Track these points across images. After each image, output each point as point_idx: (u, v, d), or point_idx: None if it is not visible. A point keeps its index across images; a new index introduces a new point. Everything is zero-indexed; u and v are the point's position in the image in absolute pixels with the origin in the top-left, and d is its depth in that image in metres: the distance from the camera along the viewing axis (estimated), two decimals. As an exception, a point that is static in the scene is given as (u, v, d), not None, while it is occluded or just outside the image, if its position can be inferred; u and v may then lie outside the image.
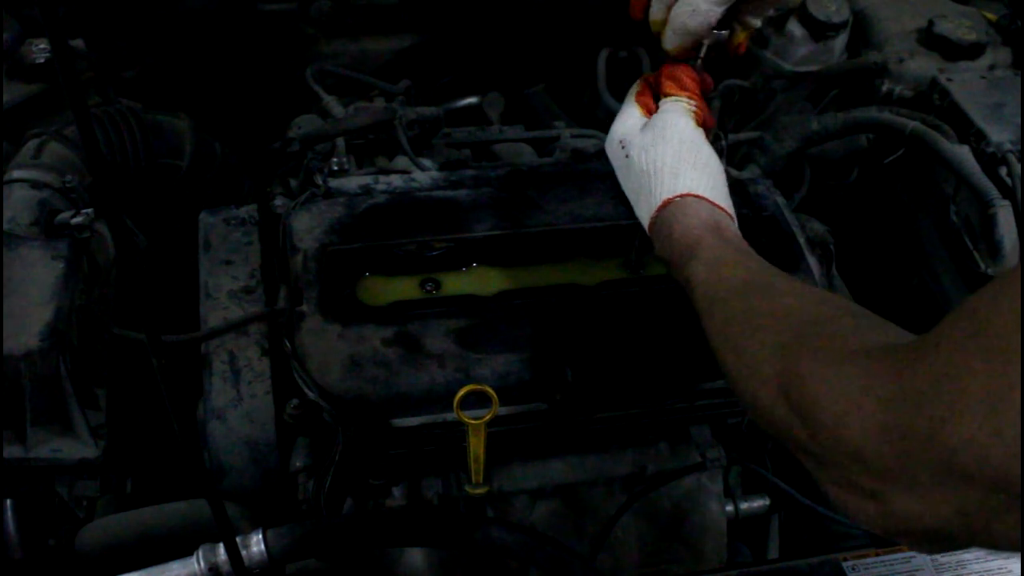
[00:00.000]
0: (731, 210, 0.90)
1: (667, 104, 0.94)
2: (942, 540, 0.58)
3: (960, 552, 0.97)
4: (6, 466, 1.01)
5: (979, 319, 0.51)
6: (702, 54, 0.96)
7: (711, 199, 0.88)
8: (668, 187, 0.88)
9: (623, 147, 0.94)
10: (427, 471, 1.13)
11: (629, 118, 0.96)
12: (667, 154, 0.89)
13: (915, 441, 0.53)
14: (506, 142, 1.52)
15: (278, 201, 1.25)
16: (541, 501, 1.15)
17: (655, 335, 1.11)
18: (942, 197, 1.41)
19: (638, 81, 1.01)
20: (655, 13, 0.96)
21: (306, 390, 1.05)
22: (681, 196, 0.88)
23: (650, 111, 0.96)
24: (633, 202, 0.94)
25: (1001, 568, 0.96)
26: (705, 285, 0.81)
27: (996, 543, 0.54)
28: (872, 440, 0.56)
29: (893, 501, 0.57)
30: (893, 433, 0.55)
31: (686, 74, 0.96)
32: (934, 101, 1.48)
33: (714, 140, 1.34)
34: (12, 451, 1.02)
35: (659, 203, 0.88)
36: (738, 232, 0.88)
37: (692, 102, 0.94)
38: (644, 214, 0.91)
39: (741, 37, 0.96)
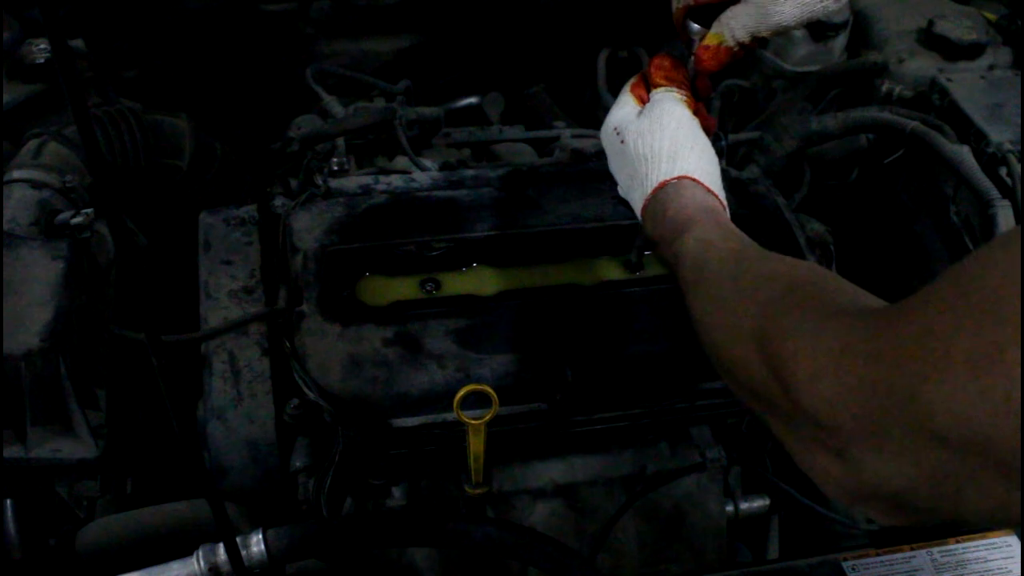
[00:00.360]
0: (724, 199, 0.90)
1: (658, 94, 0.95)
2: (906, 506, 0.56)
3: (960, 552, 0.97)
4: (6, 466, 1.01)
5: (971, 278, 0.50)
6: (694, 50, 0.98)
7: (707, 184, 0.89)
8: (665, 170, 0.89)
9: (618, 133, 0.94)
10: (427, 471, 1.13)
11: (624, 106, 0.97)
12: (664, 139, 0.90)
13: (892, 398, 0.52)
14: (506, 142, 1.52)
15: (278, 201, 1.25)
16: (541, 501, 1.15)
17: (655, 335, 1.11)
18: (942, 197, 1.41)
19: (635, 76, 1.01)
20: None
21: (306, 390, 1.05)
22: (678, 178, 0.88)
23: (644, 102, 0.97)
24: (626, 187, 0.94)
25: (1001, 568, 0.96)
26: (694, 256, 0.81)
27: (962, 512, 0.53)
28: (848, 396, 0.55)
29: (862, 460, 0.55)
30: (870, 389, 0.54)
31: (673, 64, 0.97)
32: (934, 101, 1.48)
33: (714, 140, 1.34)
34: (12, 451, 1.02)
35: (656, 184, 0.89)
36: (730, 220, 0.89)
37: (682, 92, 0.94)
38: (637, 197, 0.91)
39: (710, 41, 0.96)
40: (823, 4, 0.90)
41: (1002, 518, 0.51)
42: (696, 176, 0.88)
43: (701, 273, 0.79)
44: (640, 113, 0.95)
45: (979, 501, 0.50)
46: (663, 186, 0.88)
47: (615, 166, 0.96)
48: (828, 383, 0.57)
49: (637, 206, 0.91)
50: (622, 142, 0.93)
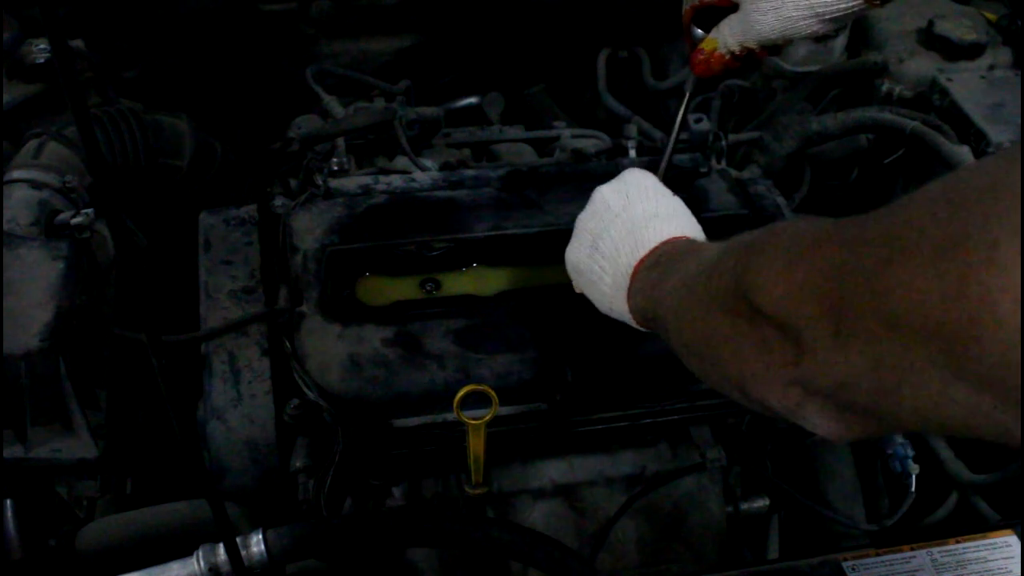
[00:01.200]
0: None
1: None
2: (847, 404, 0.56)
3: (960, 552, 0.97)
4: (6, 466, 1.01)
5: (959, 178, 0.49)
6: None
7: (688, 235, 0.92)
8: (666, 231, 0.91)
9: (628, 197, 0.96)
10: (427, 471, 1.13)
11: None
12: (663, 199, 0.95)
13: (854, 281, 0.52)
14: (506, 142, 1.52)
15: (278, 201, 1.25)
16: (541, 501, 1.15)
17: (655, 335, 1.11)
18: (942, 197, 1.40)
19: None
20: None
21: (306, 390, 1.05)
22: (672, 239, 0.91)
23: None
24: (621, 240, 0.93)
25: (1001, 568, 0.96)
26: (679, 278, 0.81)
27: (897, 410, 0.52)
28: (813, 282, 0.56)
29: (815, 350, 0.56)
30: (834, 273, 0.54)
31: None
32: (934, 101, 1.48)
33: (714, 140, 1.35)
34: (12, 451, 1.02)
35: (666, 237, 0.90)
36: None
37: None
38: (650, 239, 0.91)
39: (705, 46, 1.01)
40: (806, 23, 0.93)
41: (934, 419, 0.51)
42: (681, 234, 0.91)
43: (687, 279, 0.78)
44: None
45: (915, 397, 0.50)
46: (665, 242, 0.89)
47: (614, 222, 0.94)
48: (796, 273, 0.57)
49: (640, 251, 0.90)
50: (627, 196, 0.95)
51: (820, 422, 0.60)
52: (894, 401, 0.52)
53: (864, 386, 0.53)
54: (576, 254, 0.98)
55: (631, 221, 0.92)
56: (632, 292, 0.90)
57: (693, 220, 0.94)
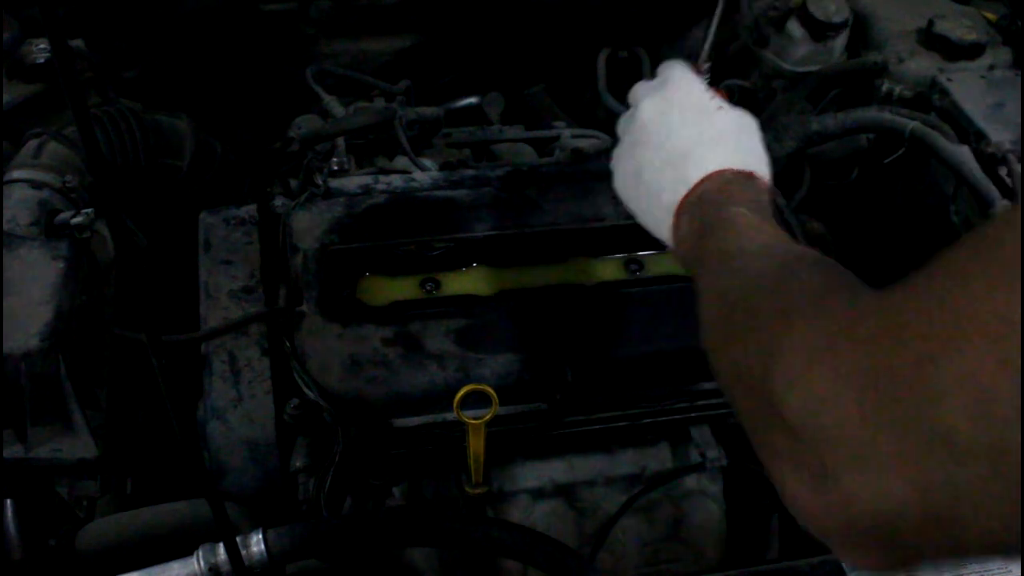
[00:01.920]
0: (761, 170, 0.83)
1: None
2: (885, 537, 0.46)
3: (960, 552, 0.97)
4: (6, 466, 1.01)
5: (986, 242, 0.41)
6: None
7: (748, 170, 0.81)
8: (719, 160, 0.80)
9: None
10: (427, 471, 1.13)
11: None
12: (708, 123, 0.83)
13: (890, 388, 0.42)
14: (506, 142, 1.52)
15: (278, 201, 1.25)
16: (541, 501, 1.15)
17: (655, 335, 1.11)
18: (942, 197, 1.40)
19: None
20: None
21: (306, 390, 1.05)
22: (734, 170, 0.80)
23: None
24: (661, 173, 0.82)
25: (1001, 568, 0.96)
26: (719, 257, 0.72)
27: (959, 536, 0.43)
28: (837, 390, 0.45)
29: (842, 479, 0.45)
30: (864, 379, 0.44)
31: None
32: (934, 101, 1.47)
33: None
34: (12, 451, 1.02)
35: (711, 170, 0.79)
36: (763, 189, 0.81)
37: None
38: (693, 174, 0.80)
39: None
40: None
41: (1005, 541, 0.41)
42: (727, 166, 0.80)
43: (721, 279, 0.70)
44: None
45: (980, 520, 0.41)
46: (707, 177, 0.79)
47: (653, 145, 0.84)
48: (816, 375, 0.47)
49: (685, 183, 0.80)
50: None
51: (863, 559, 0.49)
52: (950, 529, 0.43)
53: (910, 515, 0.43)
54: (621, 184, 0.88)
55: (672, 150, 0.81)
56: (677, 236, 0.80)
57: (742, 142, 0.82)
